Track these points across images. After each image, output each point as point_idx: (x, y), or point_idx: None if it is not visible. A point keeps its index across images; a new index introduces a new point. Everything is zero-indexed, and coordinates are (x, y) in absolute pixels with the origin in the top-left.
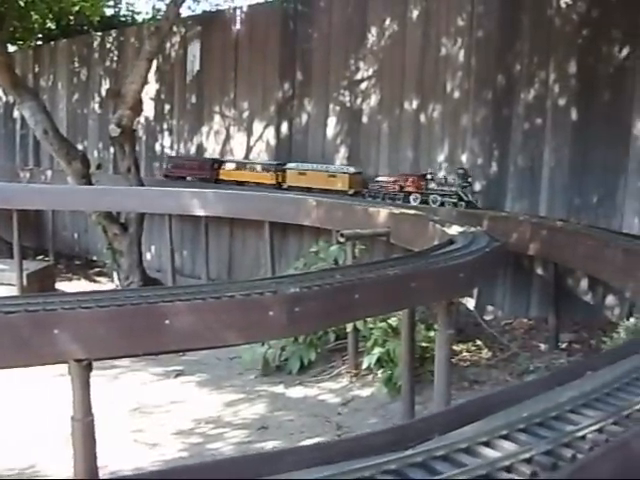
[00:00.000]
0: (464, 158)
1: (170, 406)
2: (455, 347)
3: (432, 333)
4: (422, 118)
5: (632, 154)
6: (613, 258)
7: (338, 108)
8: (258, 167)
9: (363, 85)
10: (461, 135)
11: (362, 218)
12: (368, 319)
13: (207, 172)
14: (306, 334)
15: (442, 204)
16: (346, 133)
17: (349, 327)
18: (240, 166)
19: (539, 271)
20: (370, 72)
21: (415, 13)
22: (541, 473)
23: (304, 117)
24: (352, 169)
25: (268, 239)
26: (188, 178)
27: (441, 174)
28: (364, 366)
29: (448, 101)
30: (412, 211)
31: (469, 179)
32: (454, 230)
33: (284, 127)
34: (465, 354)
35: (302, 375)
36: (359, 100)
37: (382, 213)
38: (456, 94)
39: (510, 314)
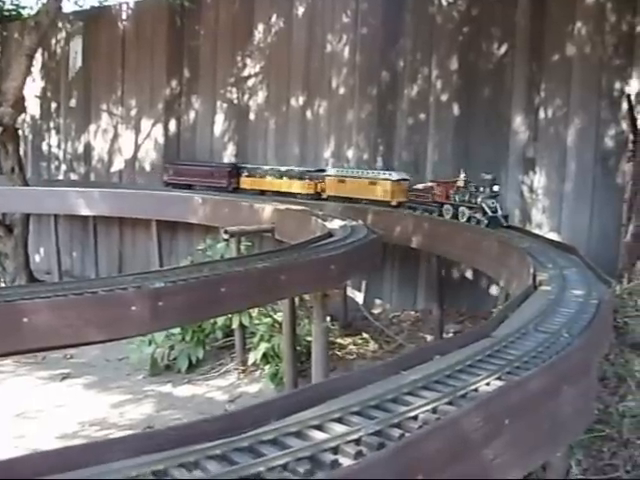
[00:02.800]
0: (350, 153)
1: (55, 410)
2: (342, 341)
3: None
4: (308, 114)
5: (512, 148)
6: (489, 249)
7: (225, 105)
8: (291, 174)
9: (250, 82)
10: (347, 131)
11: (248, 214)
12: (254, 314)
13: (224, 180)
14: (171, 328)
15: (469, 219)
16: (233, 130)
17: (235, 323)
18: (265, 173)
19: (424, 264)
20: (257, 69)
21: (301, 10)
22: (367, 453)
23: (192, 114)
24: (395, 174)
25: (156, 238)
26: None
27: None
28: (250, 362)
29: (334, 97)
30: (297, 207)
31: (495, 187)
32: (335, 224)
33: (172, 125)
34: (352, 347)
35: (191, 373)
36: (246, 97)
37: (267, 209)
38: (341, 90)
39: (398, 307)
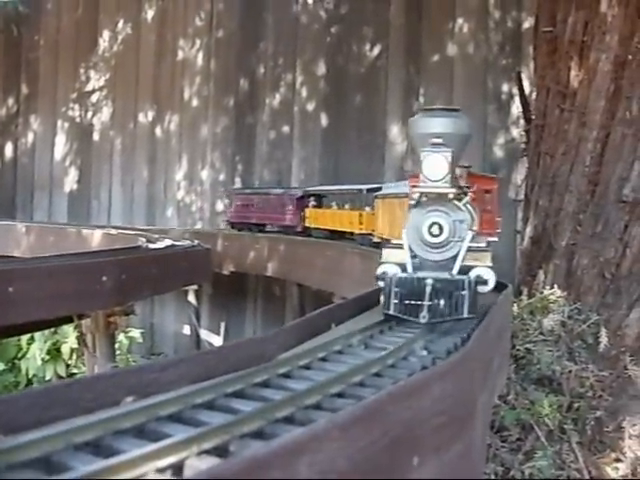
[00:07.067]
0: (204, 174)
1: None
2: None
3: None
4: (158, 131)
5: (388, 162)
6: (351, 269)
7: (67, 124)
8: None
9: (94, 97)
10: (201, 148)
11: (76, 241)
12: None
13: (292, 215)
14: None
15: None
16: (76, 152)
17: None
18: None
19: (288, 296)
20: (102, 82)
21: (150, 14)
22: None
23: (30, 136)
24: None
25: None
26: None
27: None
28: None
29: (186, 110)
30: (132, 232)
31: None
32: (161, 244)
33: (8, 149)
34: None
35: None
36: (90, 114)
37: (96, 235)
38: (195, 102)
39: None
